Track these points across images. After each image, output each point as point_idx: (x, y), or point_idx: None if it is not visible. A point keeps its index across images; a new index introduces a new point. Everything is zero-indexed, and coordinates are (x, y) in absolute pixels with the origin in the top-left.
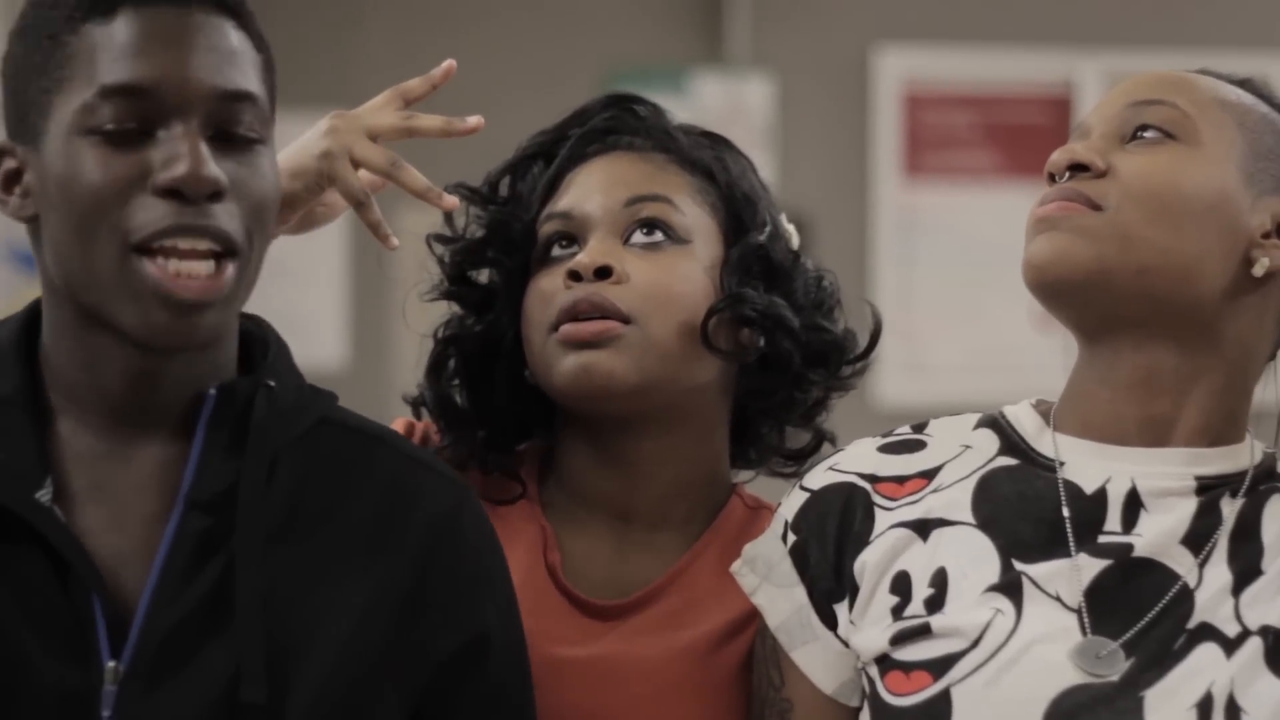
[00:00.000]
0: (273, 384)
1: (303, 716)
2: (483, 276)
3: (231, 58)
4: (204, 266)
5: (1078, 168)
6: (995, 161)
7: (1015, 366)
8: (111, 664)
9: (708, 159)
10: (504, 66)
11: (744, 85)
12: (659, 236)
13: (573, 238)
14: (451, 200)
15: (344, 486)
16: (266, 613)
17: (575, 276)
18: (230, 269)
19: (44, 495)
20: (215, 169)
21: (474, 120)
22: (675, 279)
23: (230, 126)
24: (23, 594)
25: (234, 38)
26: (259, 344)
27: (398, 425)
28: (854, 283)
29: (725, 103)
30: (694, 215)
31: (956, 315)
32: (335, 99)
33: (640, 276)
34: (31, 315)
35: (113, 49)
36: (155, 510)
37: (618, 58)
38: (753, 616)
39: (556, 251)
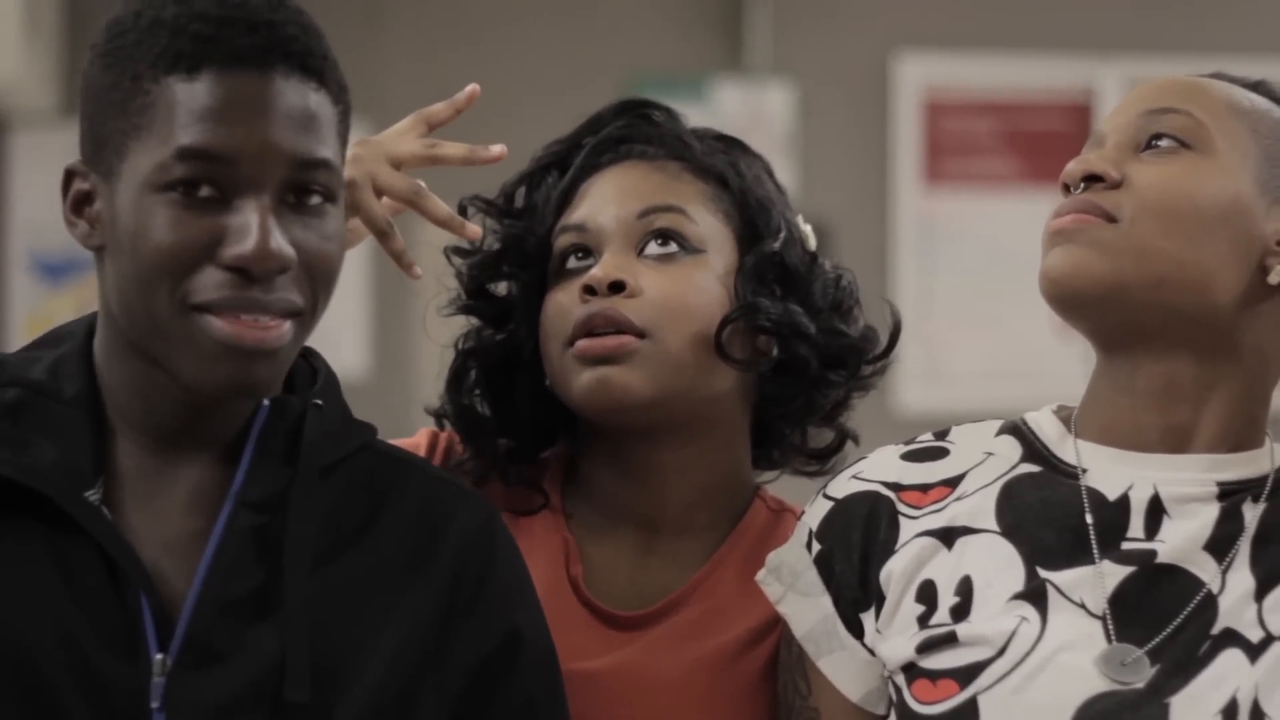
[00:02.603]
0: (321, 404)
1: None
2: (501, 289)
3: (311, 123)
4: (266, 319)
5: (1092, 178)
6: (1016, 168)
7: (1036, 373)
8: (159, 656)
9: (721, 165)
10: (526, 74)
11: (764, 93)
12: (673, 247)
13: (588, 250)
14: (474, 229)
15: (381, 506)
16: (311, 618)
17: (590, 291)
18: (288, 324)
19: (93, 495)
20: (283, 244)
21: (497, 149)
22: (689, 290)
23: (304, 192)
24: (76, 587)
25: (313, 100)
26: (307, 373)
27: (421, 436)
28: (875, 289)
29: (746, 110)
30: (708, 224)
31: (977, 322)
32: (357, 106)
33: (654, 289)
34: (91, 327)
35: (193, 110)
36: (202, 520)
37: (639, 66)
38: (775, 623)
39: (572, 264)
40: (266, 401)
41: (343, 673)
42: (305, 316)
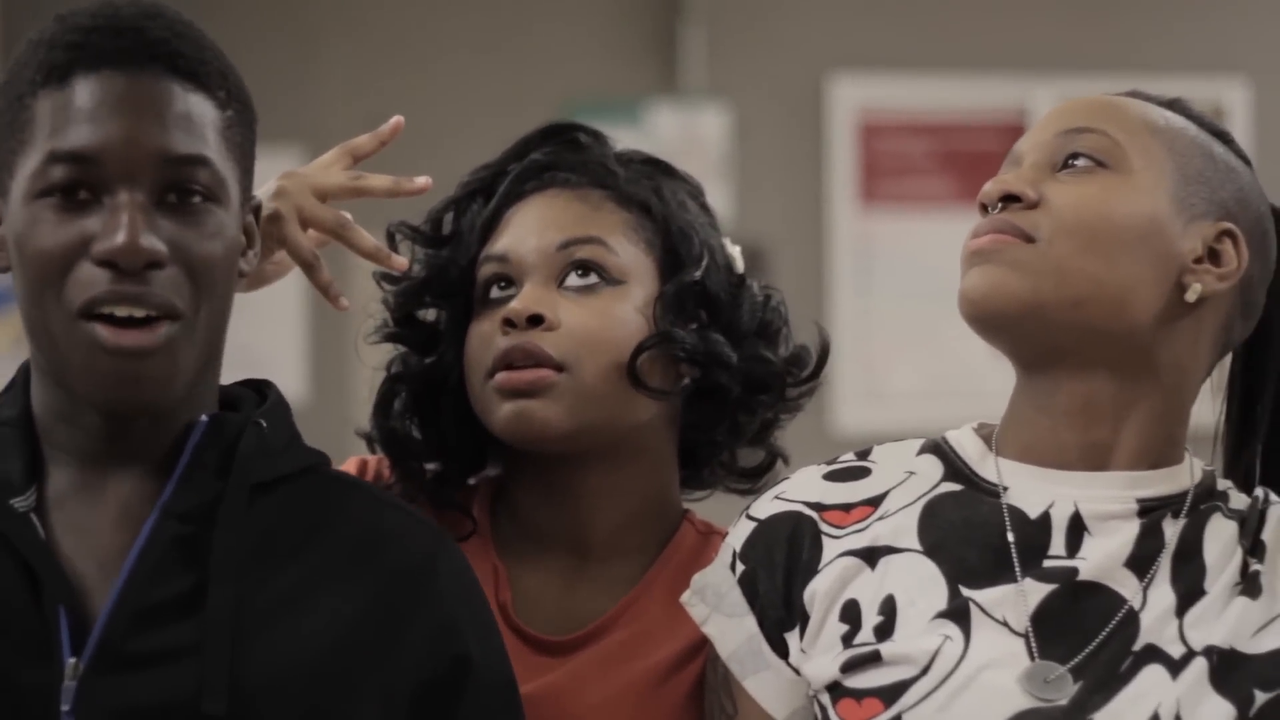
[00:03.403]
0: (264, 424)
1: None
2: (429, 315)
3: (182, 122)
4: (141, 313)
5: (1010, 198)
6: (951, 188)
7: (973, 393)
8: (72, 660)
9: (644, 193)
10: (461, 101)
11: (699, 115)
12: (593, 279)
13: (510, 280)
14: (401, 261)
15: (321, 524)
16: (235, 632)
17: (510, 323)
18: (166, 326)
19: (21, 503)
20: (151, 240)
21: (422, 181)
22: (608, 322)
23: (184, 193)
24: None
25: (187, 101)
26: (253, 399)
27: (350, 464)
28: (812, 311)
29: (681, 133)
30: (629, 254)
31: (914, 342)
32: (293, 133)
33: (573, 322)
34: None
35: (63, 115)
36: (130, 534)
37: (574, 90)
38: (702, 644)
39: (495, 293)
40: (205, 417)
41: (266, 690)
42: (188, 320)
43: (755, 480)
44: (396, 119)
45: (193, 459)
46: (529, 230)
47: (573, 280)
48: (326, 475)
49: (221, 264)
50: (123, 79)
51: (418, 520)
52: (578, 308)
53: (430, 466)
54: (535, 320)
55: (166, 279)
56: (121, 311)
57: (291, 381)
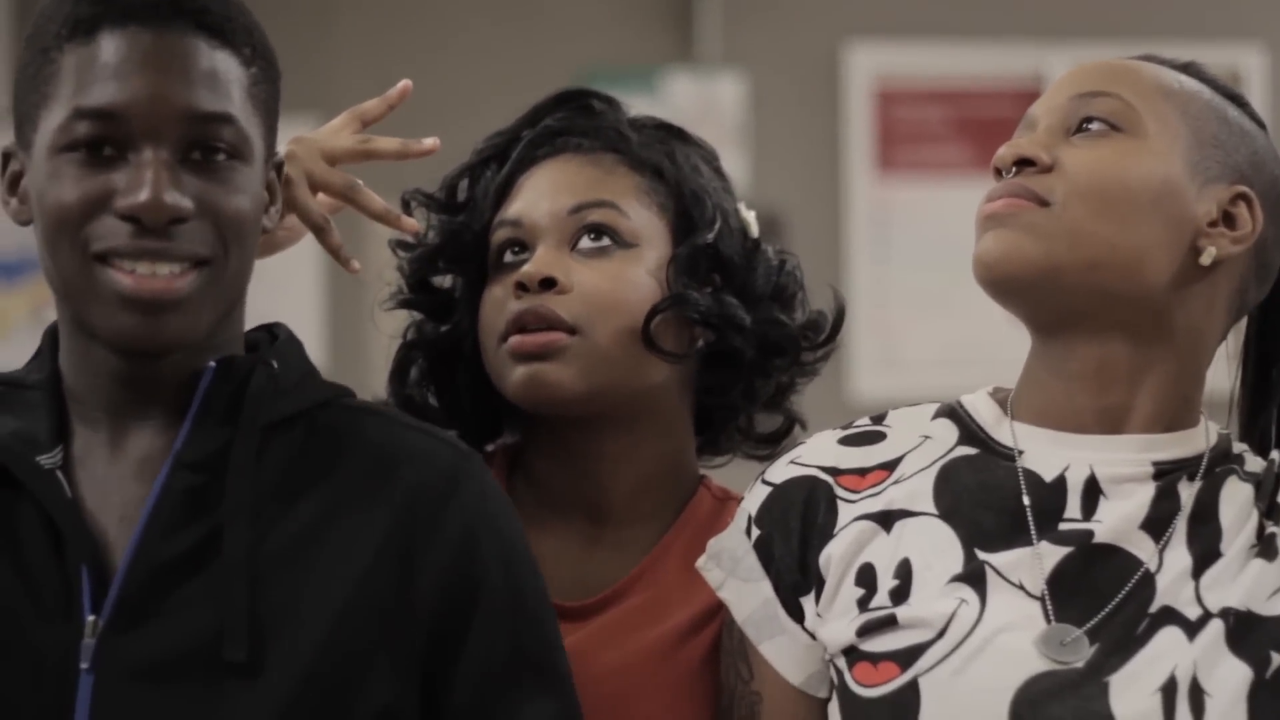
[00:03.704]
0: (275, 364)
1: (286, 680)
2: (444, 282)
3: (207, 79)
4: (165, 268)
5: (1024, 162)
6: (967, 155)
7: (990, 360)
8: (91, 618)
9: (657, 157)
10: (475, 69)
11: (715, 84)
12: (605, 242)
13: (524, 244)
14: (411, 222)
15: (338, 455)
16: (254, 576)
17: (522, 287)
18: (193, 274)
19: (48, 460)
20: (176, 196)
21: (430, 142)
22: (620, 285)
23: (209, 150)
24: (17, 553)
25: (213, 58)
26: (266, 340)
27: None
28: (829, 278)
29: (697, 102)
30: (641, 218)
31: (931, 309)
32: (307, 104)
33: (585, 284)
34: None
35: (89, 71)
36: (147, 485)
37: (589, 59)
38: (717, 610)
39: (509, 258)
40: (212, 363)
41: (286, 631)
42: (215, 266)
43: (773, 446)
44: (404, 83)
45: (202, 406)
46: (541, 195)
47: (585, 244)
48: (347, 406)
49: (248, 217)
50: (149, 35)
51: (441, 440)
52: (590, 271)
53: None
54: (547, 284)
55: (191, 230)
56: (143, 268)
57: (309, 349)
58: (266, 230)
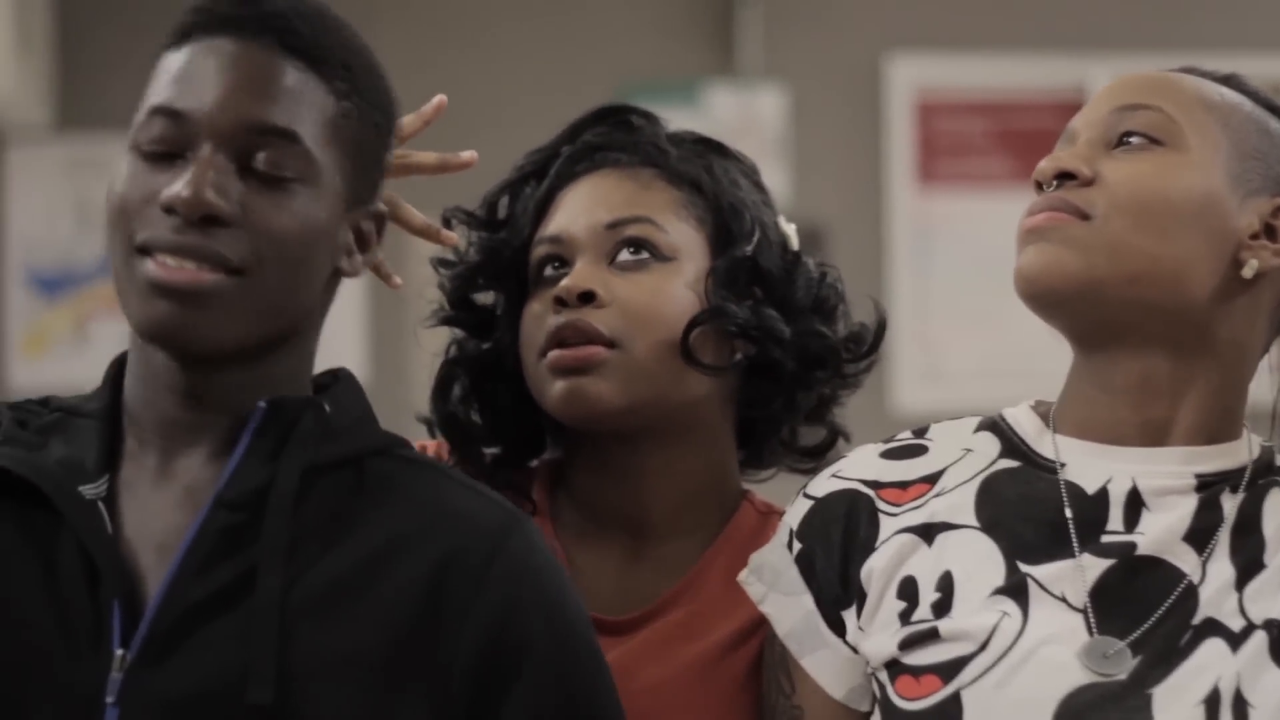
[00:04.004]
0: (327, 407)
1: None
2: (485, 299)
3: (278, 94)
4: (194, 264)
5: (1065, 176)
6: (1009, 167)
7: (1032, 372)
8: (120, 652)
9: (695, 171)
10: (517, 81)
11: (756, 97)
12: (644, 256)
13: (563, 260)
14: (452, 236)
15: (382, 505)
16: (285, 619)
17: (561, 302)
18: (223, 277)
19: (92, 490)
20: (214, 195)
21: (468, 155)
22: (659, 299)
23: (256, 159)
24: (53, 582)
25: (294, 77)
26: (326, 383)
27: None
28: (871, 291)
29: (738, 114)
30: (679, 231)
31: (973, 322)
32: None
33: (624, 298)
34: (124, 354)
35: (170, 73)
36: (189, 516)
37: (630, 71)
38: (760, 623)
39: (549, 273)
40: (263, 403)
41: (314, 678)
42: (250, 279)
43: (817, 459)
44: (439, 98)
45: (250, 444)
46: (580, 210)
47: (624, 258)
48: (399, 457)
49: (294, 241)
50: (231, 45)
51: (491, 500)
52: (629, 284)
53: (490, 451)
54: (586, 298)
55: (229, 236)
56: (173, 261)
57: (352, 366)
58: (345, 273)
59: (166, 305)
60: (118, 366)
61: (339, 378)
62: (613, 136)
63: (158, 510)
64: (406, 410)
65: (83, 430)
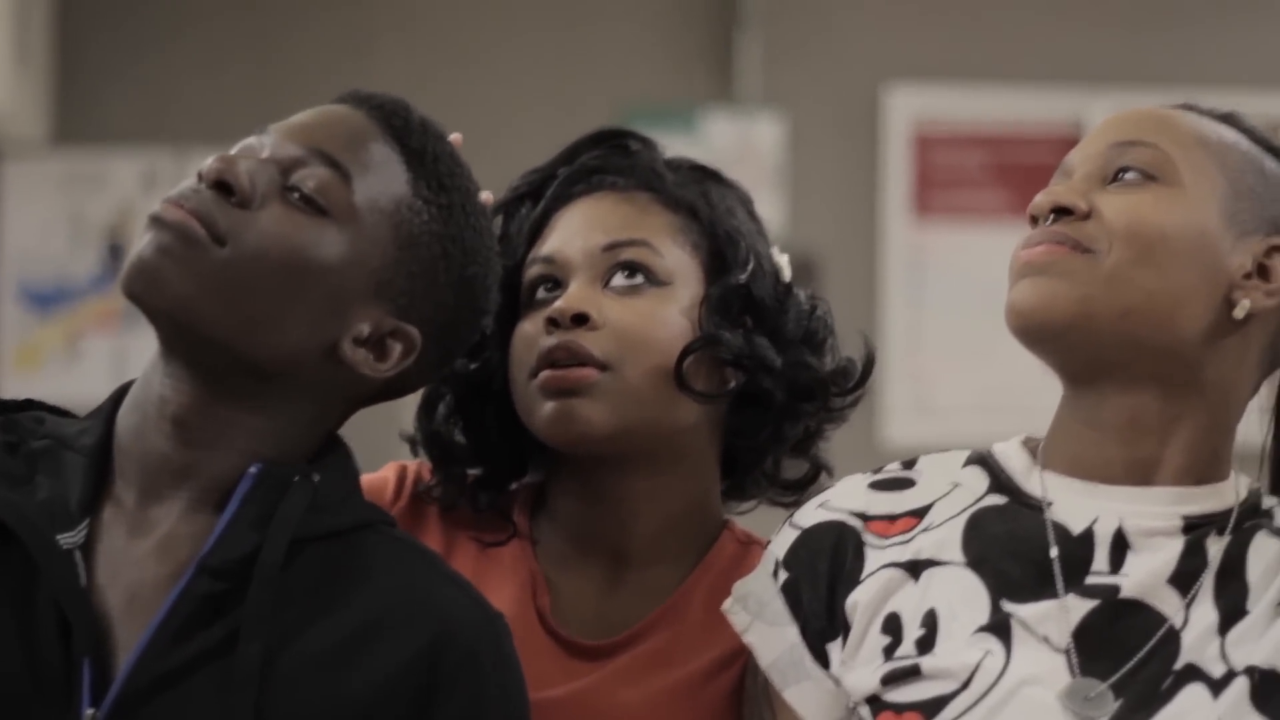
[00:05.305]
0: (317, 478)
1: None
2: None
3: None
4: (197, 201)
5: (1061, 211)
6: (1005, 201)
7: (1025, 408)
8: (90, 711)
9: (692, 196)
10: (516, 105)
11: (754, 124)
12: (639, 279)
13: (557, 281)
14: None
15: (366, 583)
16: (264, 687)
17: (554, 323)
18: (206, 234)
19: (70, 538)
20: (233, 164)
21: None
22: (652, 323)
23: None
24: (30, 633)
25: (375, 149)
26: (325, 451)
27: (389, 470)
28: (863, 322)
29: (735, 142)
30: (674, 257)
31: (966, 355)
32: None
33: (617, 321)
34: (123, 393)
35: None
36: (168, 568)
37: (629, 97)
38: (740, 652)
39: (541, 294)
40: (254, 468)
41: None
42: (229, 250)
43: (798, 492)
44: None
45: (238, 510)
46: (575, 232)
47: (618, 281)
48: (386, 535)
49: (271, 248)
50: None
51: (473, 598)
52: (622, 308)
53: (472, 471)
54: (580, 319)
55: (232, 215)
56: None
57: None
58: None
59: (149, 231)
60: (115, 401)
61: (334, 447)
62: (610, 160)
63: (135, 559)
64: (392, 427)
65: (71, 468)
